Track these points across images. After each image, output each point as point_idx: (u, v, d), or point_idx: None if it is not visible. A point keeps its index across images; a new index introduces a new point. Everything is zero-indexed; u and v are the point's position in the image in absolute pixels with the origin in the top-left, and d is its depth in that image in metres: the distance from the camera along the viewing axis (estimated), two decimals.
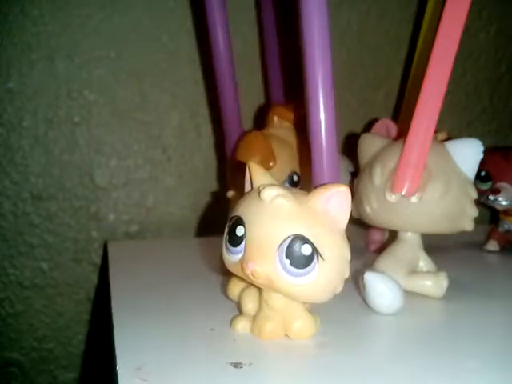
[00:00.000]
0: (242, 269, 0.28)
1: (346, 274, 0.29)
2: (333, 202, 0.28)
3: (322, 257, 0.28)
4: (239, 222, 0.29)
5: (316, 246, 0.27)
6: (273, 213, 0.28)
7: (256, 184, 0.30)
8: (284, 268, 0.27)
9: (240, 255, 0.29)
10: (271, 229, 0.28)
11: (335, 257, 0.28)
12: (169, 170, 0.57)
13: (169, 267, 0.45)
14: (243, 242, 0.29)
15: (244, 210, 0.29)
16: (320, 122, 0.32)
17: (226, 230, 0.30)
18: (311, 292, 0.28)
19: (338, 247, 0.28)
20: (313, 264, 0.27)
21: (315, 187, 0.29)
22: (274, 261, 0.27)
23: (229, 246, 0.29)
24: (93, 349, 0.57)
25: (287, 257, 0.27)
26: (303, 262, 0.27)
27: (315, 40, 0.32)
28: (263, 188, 0.28)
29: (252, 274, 0.28)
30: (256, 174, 0.30)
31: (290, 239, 0.27)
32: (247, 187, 0.31)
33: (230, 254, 0.30)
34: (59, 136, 0.54)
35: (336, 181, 0.33)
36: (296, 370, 0.28)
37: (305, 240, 0.27)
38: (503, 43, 0.65)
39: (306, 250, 0.27)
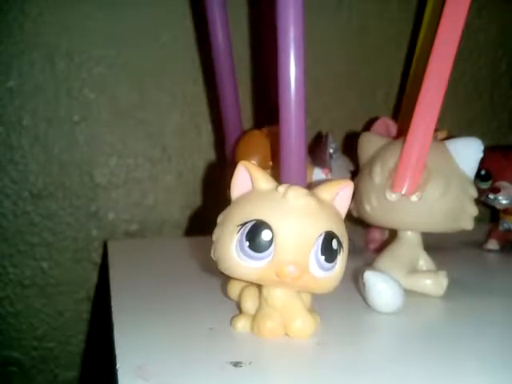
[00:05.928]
0: (279, 273, 0.28)
1: None
2: (340, 196, 0.31)
3: (343, 248, 0.29)
4: (263, 226, 0.28)
5: (340, 238, 0.29)
6: (301, 212, 0.28)
7: (258, 184, 0.30)
8: (318, 264, 0.28)
9: (266, 260, 0.28)
10: (304, 228, 0.28)
11: (346, 245, 0.30)
12: (169, 169, 0.57)
13: (169, 266, 0.45)
14: (272, 247, 0.28)
15: (265, 212, 0.28)
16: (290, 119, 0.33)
17: (240, 237, 0.28)
18: (332, 283, 0.30)
19: (346, 236, 0.30)
20: (339, 256, 0.29)
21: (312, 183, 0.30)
22: (308, 259, 0.28)
23: (250, 252, 0.28)
24: (93, 348, 0.57)
25: (322, 253, 0.28)
26: (334, 256, 0.29)
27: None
28: (287, 189, 0.28)
29: (291, 276, 0.28)
30: (256, 174, 0.30)
31: (322, 236, 0.28)
32: (239, 187, 0.30)
33: (250, 260, 0.28)
34: (59, 135, 0.53)
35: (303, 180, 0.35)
36: (296, 369, 0.28)
37: (334, 235, 0.29)
38: (503, 43, 0.65)
39: (335, 243, 0.29)
